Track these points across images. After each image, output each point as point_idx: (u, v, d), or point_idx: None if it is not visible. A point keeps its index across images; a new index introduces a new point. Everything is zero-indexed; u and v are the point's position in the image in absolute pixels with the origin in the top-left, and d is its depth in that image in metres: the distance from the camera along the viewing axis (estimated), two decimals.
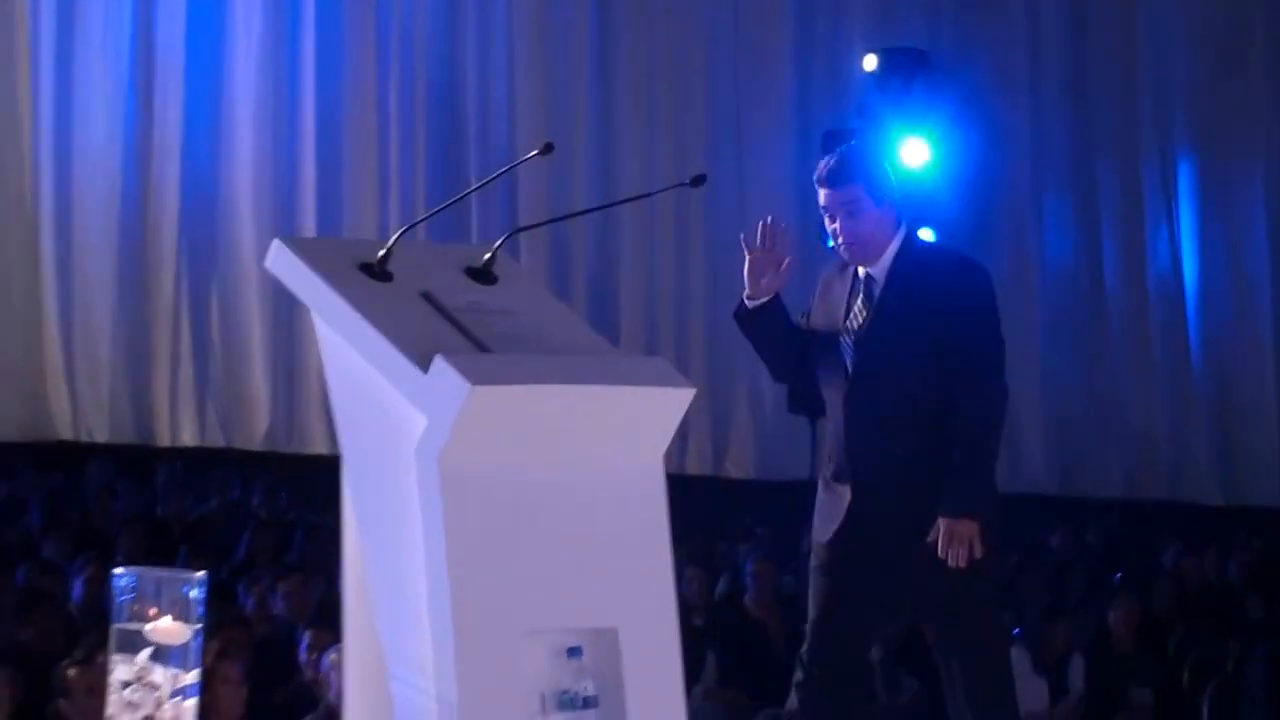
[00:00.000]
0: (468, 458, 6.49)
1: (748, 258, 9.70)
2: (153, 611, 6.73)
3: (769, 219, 9.68)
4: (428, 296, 6.85)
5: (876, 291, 9.00)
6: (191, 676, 6.77)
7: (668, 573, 7.00)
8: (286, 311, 32.35)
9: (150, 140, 35.80)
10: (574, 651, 6.78)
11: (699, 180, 8.66)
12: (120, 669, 6.75)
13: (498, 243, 7.23)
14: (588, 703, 6.78)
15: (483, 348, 6.70)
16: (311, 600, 15.41)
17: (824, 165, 9.28)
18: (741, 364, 29.27)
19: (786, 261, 9.47)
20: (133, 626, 6.74)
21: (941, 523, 8.89)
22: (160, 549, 17.08)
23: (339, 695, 9.07)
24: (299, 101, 34.50)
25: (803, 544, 21.03)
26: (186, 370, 35.44)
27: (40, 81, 36.92)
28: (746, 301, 9.76)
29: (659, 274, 30.42)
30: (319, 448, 31.27)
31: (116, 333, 35.93)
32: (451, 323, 6.76)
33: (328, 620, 12.11)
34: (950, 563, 8.89)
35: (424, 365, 6.47)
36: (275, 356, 33.98)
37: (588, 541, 6.78)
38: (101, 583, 15.47)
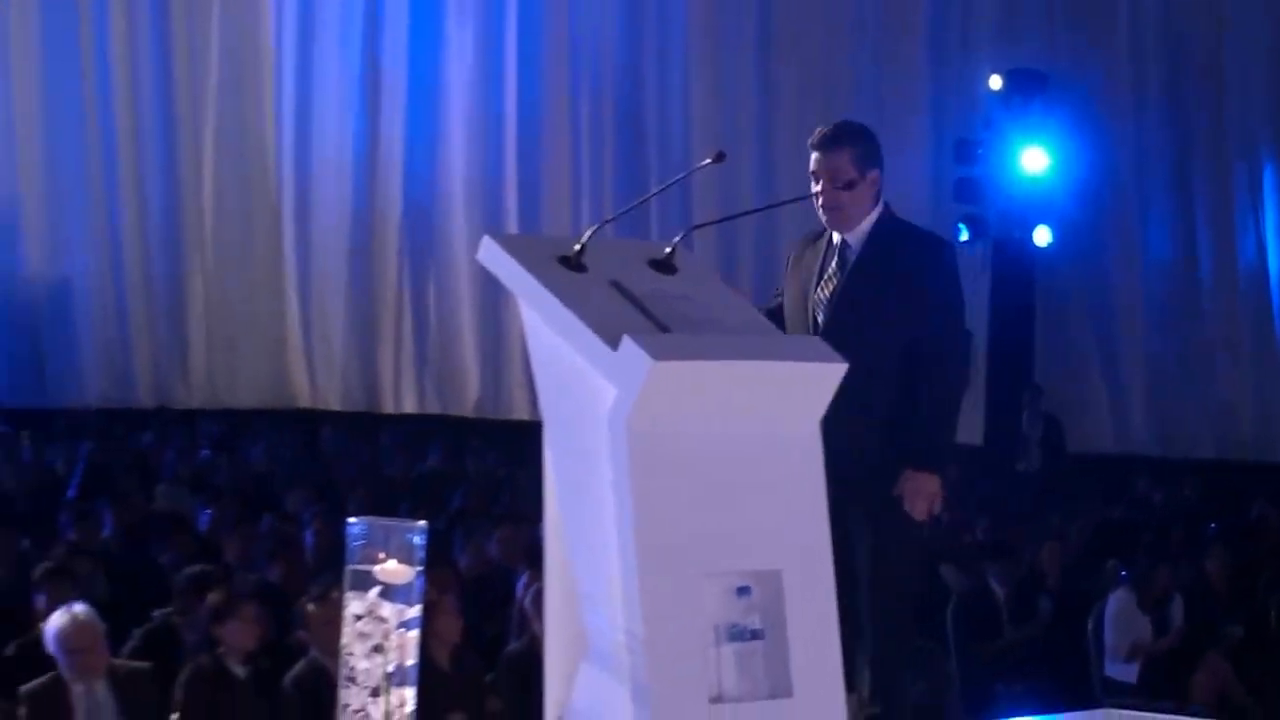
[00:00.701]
0: (651, 423, 6.46)
1: None
2: (381, 555, 6.72)
3: None
4: (616, 285, 6.82)
5: (851, 257, 8.37)
6: (414, 611, 6.75)
7: (824, 523, 6.92)
8: (493, 297, 32.41)
9: (377, 151, 35.97)
10: (743, 591, 6.72)
11: (850, 184, 8.60)
12: (354, 604, 6.74)
13: (677, 238, 7.20)
14: (755, 635, 6.73)
15: (664, 328, 6.66)
16: (522, 544, 15.38)
17: (818, 132, 8.84)
18: None
19: None
20: (364, 568, 6.73)
21: (908, 474, 8.50)
22: (384, 503, 17.11)
23: (542, 626, 9.06)
24: (503, 116, 34.57)
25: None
26: (407, 347, 35.60)
27: (283, 105, 37.20)
28: None
29: None
30: (521, 414, 31.31)
31: (348, 316, 36.15)
32: (637, 307, 6.72)
33: (539, 561, 12.11)
34: (912, 514, 8.52)
35: (614, 344, 6.44)
36: (483, 336, 34.08)
37: (754, 495, 6.73)
38: (334, 531, 15.54)
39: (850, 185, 8.45)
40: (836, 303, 8.32)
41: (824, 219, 8.55)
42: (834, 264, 8.40)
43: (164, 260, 36.03)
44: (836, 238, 8.54)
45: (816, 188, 8.53)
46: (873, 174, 8.56)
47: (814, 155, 8.60)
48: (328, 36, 36.73)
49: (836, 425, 7.34)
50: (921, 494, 8.26)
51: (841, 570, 7.63)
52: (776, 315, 8.62)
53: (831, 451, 7.47)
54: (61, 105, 35.74)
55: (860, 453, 8.12)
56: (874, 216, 8.55)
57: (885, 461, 8.36)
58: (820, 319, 8.38)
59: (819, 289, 8.42)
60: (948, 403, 8.33)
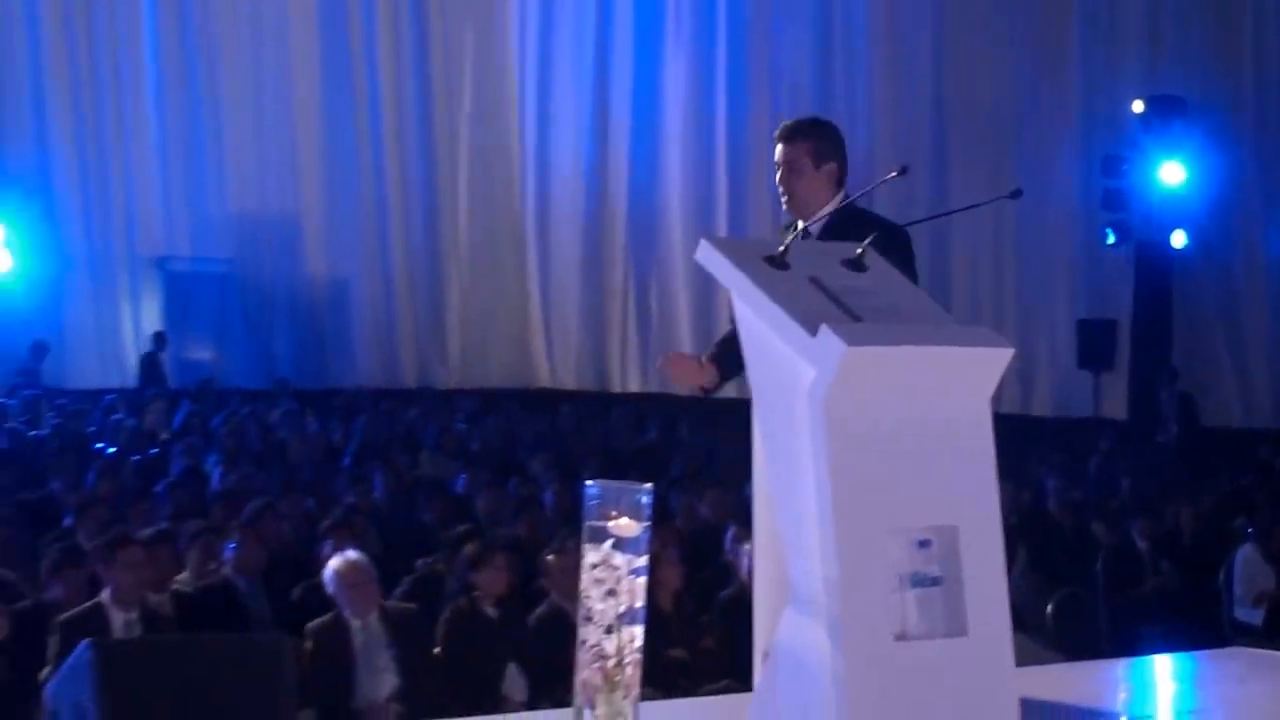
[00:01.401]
0: (844, 399, 6.43)
1: (684, 383, 8.82)
2: (613, 513, 6.71)
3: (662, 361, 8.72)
4: (815, 281, 6.79)
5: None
6: (642, 560, 6.74)
7: (993, 486, 6.86)
8: (705, 292, 32.49)
9: (605, 170, 36.16)
10: (924, 543, 6.67)
11: (1017, 194, 8.46)
12: (590, 555, 6.73)
13: (866, 241, 7.16)
14: (934, 581, 6.67)
15: (855, 318, 6.63)
16: (729, 504, 15.38)
17: (782, 125, 8.57)
18: (1043, 329, 29.13)
19: (683, 361, 8.67)
20: (599, 524, 6.72)
21: None
22: (613, 469, 17.14)
23: (750, 574, 9.02)
24: (713, 137, 34.63)
25: (1088, 464, 20.89)
26: (632, 336, 35.73)
27: (526, 133, 37.62)
28: (706, 393, 8.76)
29: (981, 259, 30.35)
30: (729, 393, 31.28)
31: (582, 306, 36.38)
32: (832, 300, 6.70)
33: (745, 519, 12.10)
34: None
35: (813, 331, 6.42)
36: (697, 325, 34.12)
37: (933, 461, 6.68)
38: (570, 493, 15.60)
39: (806, 176, 8.05)
40: None
41: (784, 206, 8.21)
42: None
43: (425, 264, 36.45)
44: (800, 225, 8.04)
45: (777, 176, 8.18)
46: (829, 166, 8.15)
47: (776, 147, 8.21)
48: (563, 74, 37.01)
49: None
50: None
51: None
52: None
53: None
54: (338, 135, 36.17)
55: None
56: (832, 206, 8.11)
57: None
58: None
59: None
60: None
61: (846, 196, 8.06)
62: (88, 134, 34.26)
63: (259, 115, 35.01)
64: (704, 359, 8.39)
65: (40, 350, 31.22)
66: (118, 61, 34.52)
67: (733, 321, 7.94)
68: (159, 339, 32.03)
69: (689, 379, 8.54)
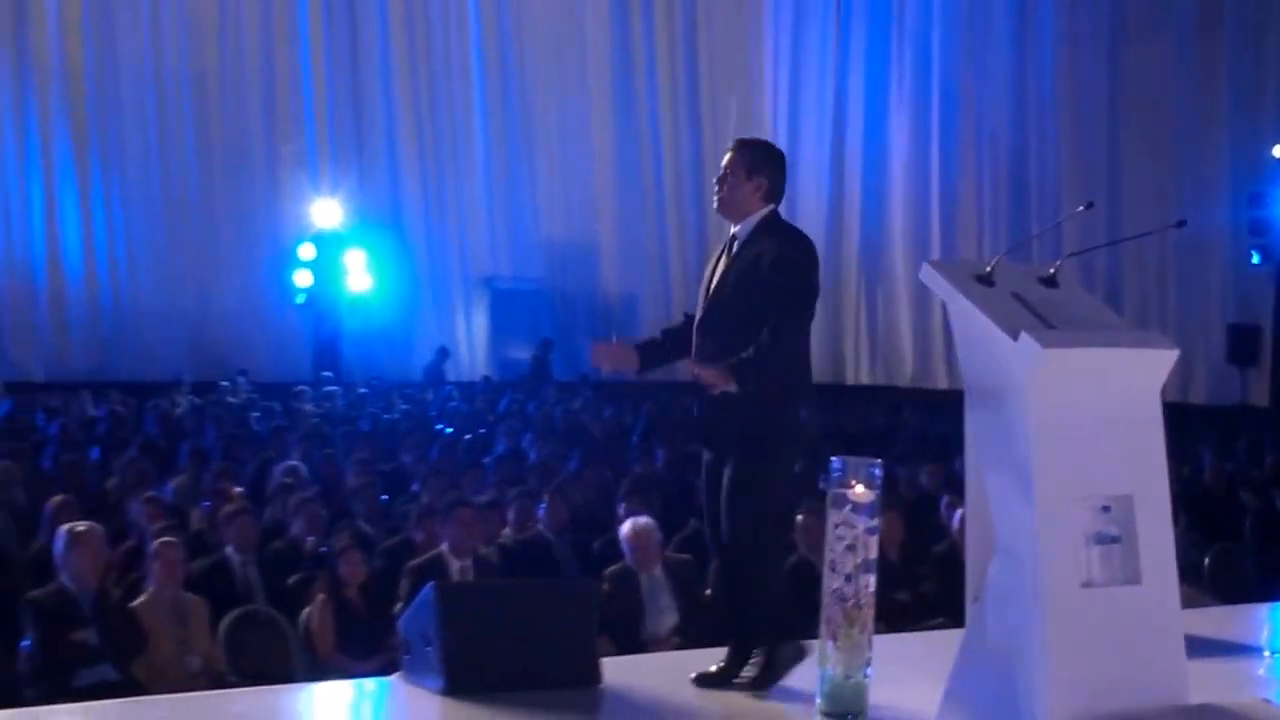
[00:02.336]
0: (1041, 392, 6.42)
1: (606, 366, 8.37)
2: (852, 483, 6.71)
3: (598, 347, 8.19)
4: (1016, 295, 6.76)
5: (735, 246, 7.47)
6: (874, 521, 6.73)
7: (1162, 461, 6.78)
8: (923, 303, 32.32)
9: (841, 200, 36.16)
10: (1106, 509, 6.61)
11: (1181, 224, 8.34)
12: (833, 517, 6.73)
13: (1058, 262, 7.10)
14: (1114, 540, 6.61)
15: (1049, 326, 6.59)
16: (943, 476, 15.27)
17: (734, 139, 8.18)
18: (1199, 332, 28.73)
19: (616, 349, 8.05)
20: (841, 491, 6.73)
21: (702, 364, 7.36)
22: (850, 448, 17.02)
23: (960, 532, 8.97)
24: (929, 175, 34.44)
25: (1237, 443, 20.48)
26: (864, 338, 35.65)
27: None
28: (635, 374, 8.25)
29: (1149, 276, 30.07)
30: (942, 384, 31.15)
31: (822, 315, 35.90)
32: (1031, 311, 6.66)
33: (955, 488, 12.03)
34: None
35: (1015, 336, 6.41)
36: (916, 329, 34.01)
37: (1113, 441, 6.64)
38: (814, 467, 15.55)
39: (736, 183, 7.48)
40: (719, 278, 7.49)
41: (715, 206, 7.86)
42: (724, 251, 7.65)
43: (697, 281, 36.40)
44: (731, 232, 7.60)
45: (715, 179, 7.68)
46: (759, 179, 7.54)
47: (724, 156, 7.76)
48: (808, 129, 37.05)
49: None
50: (705, 374, 7.40)
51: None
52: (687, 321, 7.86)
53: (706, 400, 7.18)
54: (628, 176, 36.46)
55: (728, 401, 7.29)
56: (760, 215, 7.53)
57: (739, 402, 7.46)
58: (711, 290, 7.56)
59: (714, 269, 7.75)
60: (761, 348, 7.39)
61: (775, 210, 7.70)
62: (430, 177, 34.83)
63: (565, 159, 35.33)
64: (628, 346, 8.04)
65: (444, 354, 31.77)
66: (454, 118, 35.07)
67: (687, 318, 7.69)
68: (441, 354, 32.38)
69: (613, 363, 8.20)
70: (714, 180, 7.65)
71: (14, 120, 30.80)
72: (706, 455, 7.51)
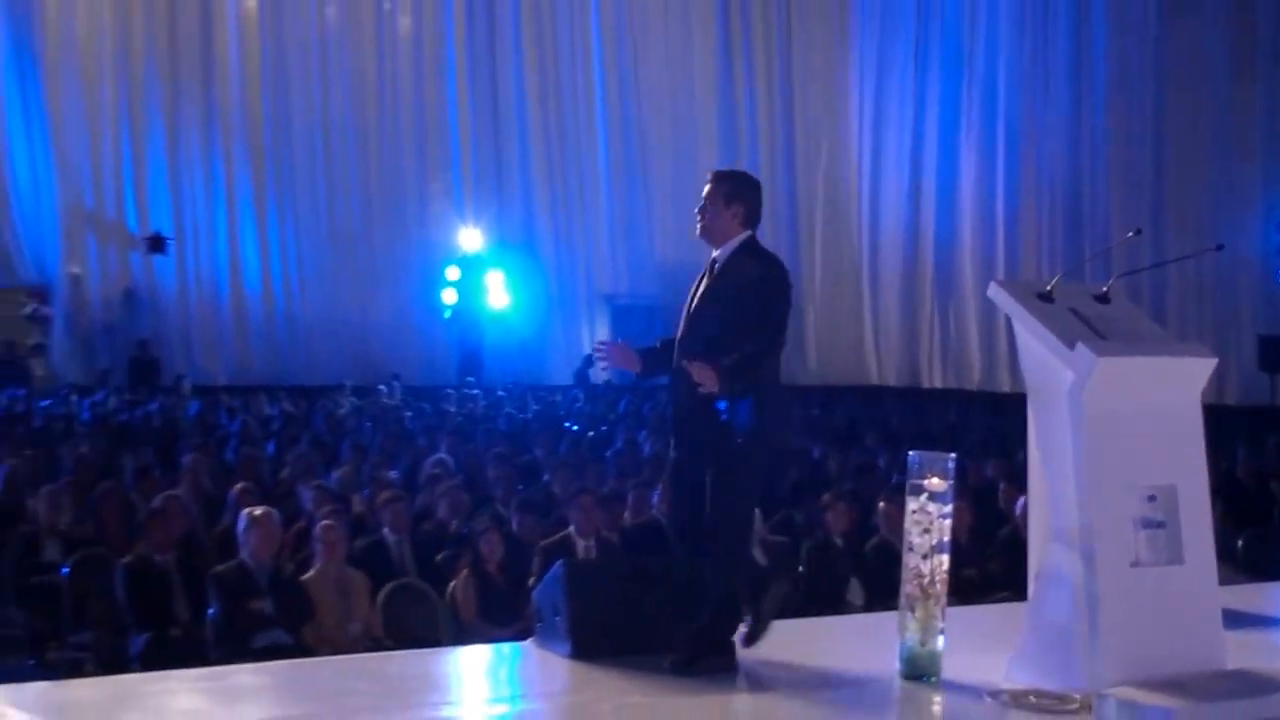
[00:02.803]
0: (1095, 394, 6.37)
1: (611, 363, 8.09)
2: (928, 474, 6.67)
3: (605, 347, 7.93)
4: (1073, 310, 6.69)
5: (716, 268, 7.20)
6: (948, 508, 6.69)
7: (1202, 456, 6.70)
8: (989, 315, 32.10)
9: (917, 223, 36.07)
10: (1151, 497, 6.54)
11: (1219, 247, 8.31)
12: (911, 504, 6.70)
13: (1110, 281, 7.03)
14: (1159, 525, 6.54)
15: (1102, 337, 6.53)
16: (1005, 469, 15.11)
17: (713, 170, 7.93)
18: (1232, 341, 28.39)
19: (621, 349, 7.75)
20: (918, 482, 6.69)
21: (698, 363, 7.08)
22: (926, 443, 16.97)
23: (1022, 518, 8.89)
24: (994, 201, 34.23)
25: (1267, 440, 20.16)
26: (936, 347, 35.45)
27: (862, 198, 37.58)
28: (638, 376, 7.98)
29: (1189, 292, 29.83)
30: (1007, 388, 30.90)
31: (901, 326, 36.18)
32: (1086, 324, 6.59)
33: (1017, 478, 11.91)
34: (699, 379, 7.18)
35: (1071, 346, 6.35)
36: (982, 338, 33.77)
37: (1158, 438, 6.59)
38: (895, 460, 15.46)
39: (715, 210, 7.21)
40: (699, 298, 7.22)
41: (697, 231, 7.42)
42: (706, 273, 7.31)
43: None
44: (712, 255, 7.35)
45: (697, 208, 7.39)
46: (735, 208, 7.26)
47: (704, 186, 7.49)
48: (888, 163, 36.96)
49: (688, 381, 6.89)
50: (705, 373, 7.16)
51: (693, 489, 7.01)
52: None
53: (684, 398, 7.00)
54: None
55: (700, 405, 6.99)
56: (737, 242, 7.24)
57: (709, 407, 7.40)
58: (693, 308, 7.28)
59: (695, 290, 7.51)
60: (745, 359, 7.13)
61: (753, 236, 7.51)
62: (559, 207, 35.09)
63: (676, 190, 35.34)
64: (631, 350, 7.79)
65: (589, 361, 31.83)
66: (580, 155, 35.41)
67: (685, 328, 7.49)
68: (587, 360, 32.39)
69: (617, 361, 7.94)
70: (695, 210, 7.44)
71: (203, 161, 31.55)
72: (674, 454, 7.32)
